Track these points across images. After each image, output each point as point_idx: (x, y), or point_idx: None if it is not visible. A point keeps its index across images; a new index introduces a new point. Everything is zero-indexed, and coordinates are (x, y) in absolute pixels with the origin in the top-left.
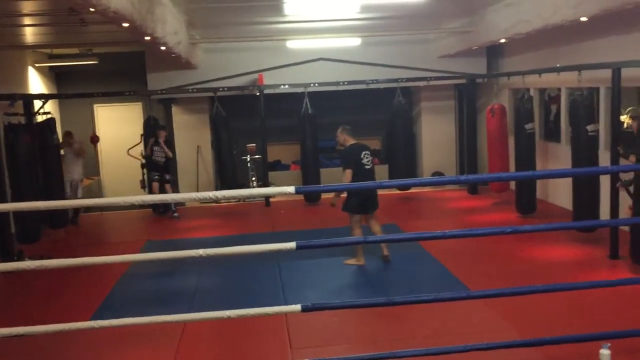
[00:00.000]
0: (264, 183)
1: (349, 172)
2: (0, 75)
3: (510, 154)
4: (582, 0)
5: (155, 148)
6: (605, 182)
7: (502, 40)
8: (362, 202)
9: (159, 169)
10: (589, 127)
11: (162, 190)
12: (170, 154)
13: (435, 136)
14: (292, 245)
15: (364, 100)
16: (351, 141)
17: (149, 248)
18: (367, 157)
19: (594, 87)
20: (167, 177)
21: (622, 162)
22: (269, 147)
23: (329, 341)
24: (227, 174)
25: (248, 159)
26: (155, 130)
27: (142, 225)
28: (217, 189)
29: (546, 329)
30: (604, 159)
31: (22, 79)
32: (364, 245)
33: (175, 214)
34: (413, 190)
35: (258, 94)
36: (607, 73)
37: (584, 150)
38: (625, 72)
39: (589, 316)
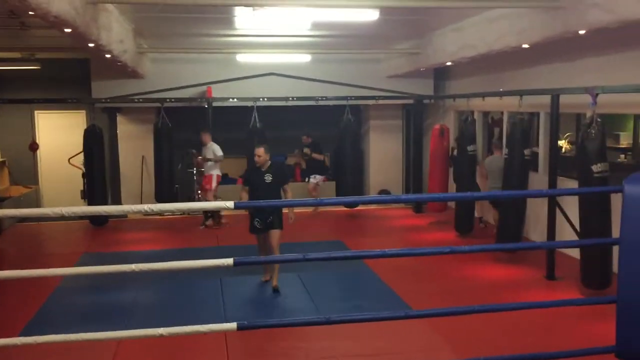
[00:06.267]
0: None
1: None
2: None
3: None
4: (524, 28)
5: None
6: (543, 204)
7: (449, 63)
8: None
9: None
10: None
11: None
12: None
13: (383, 154)
14: (229, 261)
15: (313, 117)
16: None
17: (85, 261)
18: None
19: (534, 112)
20: None
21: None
22: None
23: (267, 358)
24: (166, 185)
25: (194, 172)
26: None
27: (81, 236)
28: (157, 201)
29: (484, 348)
30: (543, 182)
31: None
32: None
33: None
34: (360, 207)
35: (206, 106)
36: (547, 99)
37: (515, 172)
38: (564, 99)
39: (527, 336)
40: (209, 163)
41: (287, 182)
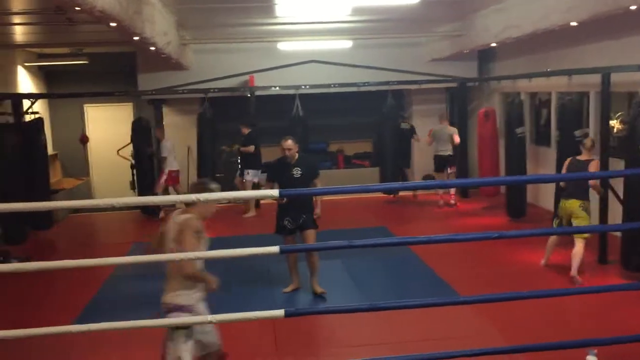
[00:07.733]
0: (254, 185)
1: None
2: None
3: (501, 158)
4: (572, 5)
5: None
6: None
7: (493, 45)
8: None
9: None
10: (577, 132)
11: None
12: None
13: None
14: (275, 249)
15: (355, 103)
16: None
17: (135, 250)
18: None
19: (584, 92)
20: None
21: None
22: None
23: (315, 345)
24: (208, 175)
25: (238, 161)
26: None
27: (131, 227)
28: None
29: (533, 334)
30: None
31: (11, 79)
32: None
33: None
34: (403, 193)
35: (249, 95)
36: (597, 78)
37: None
38: (615, 77)
39: (577, 322)
40: (169, 159)
41: (318, 176)
